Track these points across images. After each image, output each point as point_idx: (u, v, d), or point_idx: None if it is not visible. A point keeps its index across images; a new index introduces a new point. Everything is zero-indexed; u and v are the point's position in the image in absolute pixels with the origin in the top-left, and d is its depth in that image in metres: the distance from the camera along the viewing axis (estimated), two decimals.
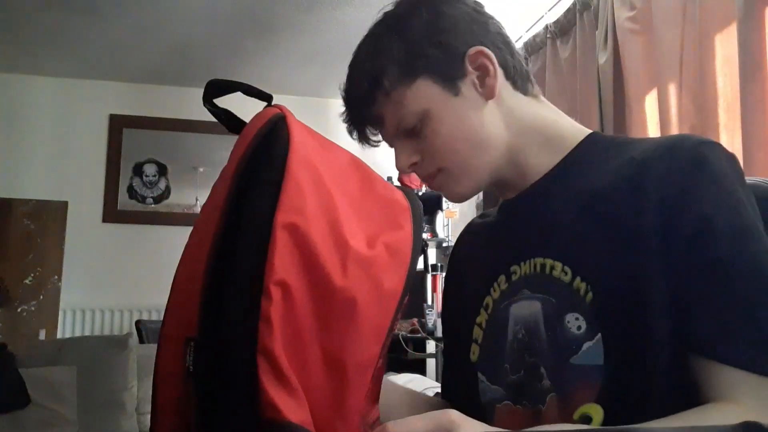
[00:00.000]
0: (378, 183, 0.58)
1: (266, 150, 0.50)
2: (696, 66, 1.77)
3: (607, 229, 0.65)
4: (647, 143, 0.68)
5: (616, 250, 0.63)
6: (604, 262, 0.64)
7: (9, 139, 4.04)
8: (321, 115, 4.58)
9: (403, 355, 3.42)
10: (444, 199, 3.81)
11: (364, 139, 0.79)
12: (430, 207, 3.97)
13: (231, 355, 0.44)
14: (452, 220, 3.88)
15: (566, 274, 0.66)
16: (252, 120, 0.53)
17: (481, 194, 3.57)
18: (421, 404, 0.84)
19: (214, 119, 0.57)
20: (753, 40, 1.54)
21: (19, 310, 3.85)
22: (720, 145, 0.66)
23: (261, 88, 0.54)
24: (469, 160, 0.74)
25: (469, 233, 0.90)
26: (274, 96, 0.54)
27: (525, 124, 0.75)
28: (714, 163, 0.63)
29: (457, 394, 0.84)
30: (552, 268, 0.68)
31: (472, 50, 0.73)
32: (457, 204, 3.80)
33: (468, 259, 0.88)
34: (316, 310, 0.46)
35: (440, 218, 3.88)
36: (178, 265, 0.53)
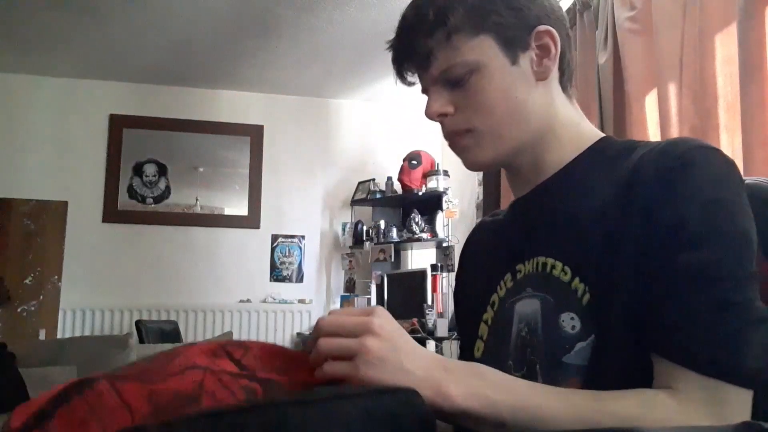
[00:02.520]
0: None
1: None
2: (696, 66, 1.77)
3: (603, 233, 0.65)
4: (648, 146, 0.68)
5: (611, 254, 0.63)
6: (601, 266, 0.64)
7: (9, 139, 4.04)
8: (321, 115, 4.60)
9: None
10: (445, 198, 3.81)
11: (401, 74, 0.77)
12: (430, 207, 3.98)
13: None
14: (452, 220, 3.88)
15: (566, 273, 0.67)
16: None
17: (481, 194, 3.57)
18: None
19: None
20: (753, 40, 1.54)
21: (19, 310, 3.85)
22: (716, 150, 0.64)
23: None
24: (502, 127, 0.73)
25: (480, 232, 0.91)
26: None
27: (556, 118, 0.76)
28: (702, 167, 0.62)
29: None
30: (553, 267, 0.69)
31: (542, 27, 0.73)
32: (456, 205, 3.80)
33: (477, 257, 0.89)
34: None
35: (440, 218, 3.88)
36: None
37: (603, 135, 0.77)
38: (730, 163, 0.63)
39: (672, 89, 1.87)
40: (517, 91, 0.73)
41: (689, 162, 0.62)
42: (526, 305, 0.71)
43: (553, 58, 0.74)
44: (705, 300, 0.57)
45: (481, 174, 3.56)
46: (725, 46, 1.69)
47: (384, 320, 0.57)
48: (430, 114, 0.75)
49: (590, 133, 0.77)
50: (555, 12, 0.75)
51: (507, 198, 3.09)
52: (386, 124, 4.47)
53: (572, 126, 0.77)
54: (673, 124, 1.86)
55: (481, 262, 0.86)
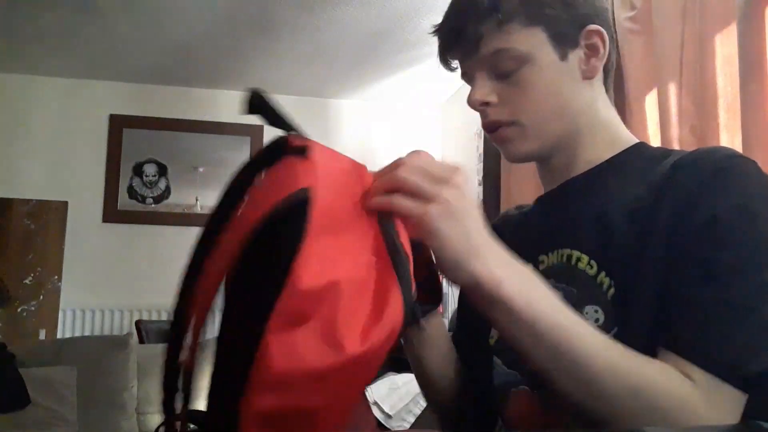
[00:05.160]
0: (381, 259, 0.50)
1: (277, 238, 0.45)
2: (696, 66, 1.77)
3: (633, 230, 0.66)
4: (683, 153, 0.70)
5: (640, 251, 0.64)
6: (628, 261, 0.65)
7: (9, 139, 4.04)
8: (321, 115, 4.60)
9: (403, 355, 3.41)
10: None
11: (446, 58, 0.77)
12: None
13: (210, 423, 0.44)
14: None
15: (592, 267, 0.68)
16: (281, 176, 0.48)
17: (481, 195, 3.57)
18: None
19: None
20: (753, 40, 1.54)
21: (19, 310, 3.85)
22: (753, 162, 0.66)
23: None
24: (546, 122, 0.73)
25: (502, 224, 0.91)
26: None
27: (597, 118, 0.77)
28: (738, 175, 0.63)
29: (469, 374, 0.85)
30: (578, 260, 0.69)
31: (592, 27, 0.74)
32: None
33: None
34: None
35: None
36: None
37: (638, 141, 0.78)
38: (765, 177, 0.65)
39: (672, 89, 1.86)
40: (564, 87, 0.73)
41: (726, 168, 0.63)
42: None
43: (601, 58, 0.75)
44: (724, 300, 0.58)
45: (481, 174, 3.56)
46: (725, 46, 1.69)
47: (467, 184, 0.55)
48: (472, 102, 0.74)
49: (626, 136, 0.78)
50: (603, 13, 0.76)
51: (507, 198, 3.09)
52: (386, 124, 4.47)
53: (611, 127, 0.78)
54: (673, 124, 1.85)
55: None
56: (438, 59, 0.78)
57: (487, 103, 0.73)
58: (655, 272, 0.62)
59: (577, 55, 0.74)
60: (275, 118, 0.49)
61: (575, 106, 0.74)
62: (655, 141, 1.98)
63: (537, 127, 0.73)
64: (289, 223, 0.44)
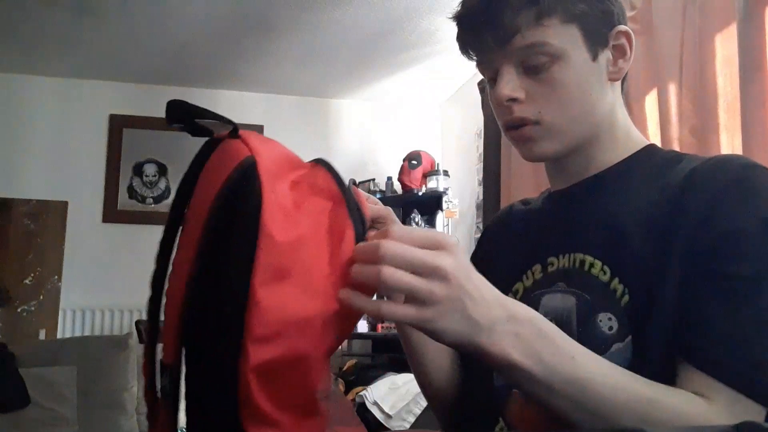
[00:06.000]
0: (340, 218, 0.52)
1: (238, 204, 0.46)
2: (696, 66, 1.77)
3: (648, 237, 0.65)
4: (697, 160, 0.69)
5: (655, 259, 0.63)
6: (644, 269, 0.64)
7: (9, 139, 4.04)
8: (321, 115, 4.60)
9: (403, 355, 3.41)
10: (445, 199, 3.80)
11: (470, 46, 0.74)
12: (429, 207, 3.98)
13: (208, 395, 0.46)
14: (452, 220, 3.88)
15: (605, 273, 0.67)
16: (220, 158, 0.51)
17: (481, 195, 3.57)
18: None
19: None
20: (753, 40, 1.54)
21: (19, 310, 3.85)
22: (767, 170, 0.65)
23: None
24: (572, 123, 0.72)
25: (508, 216, 0.90)
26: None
27: (616, 120, 0.76)
28: (755, 184, 0.63)
29: (469, 373, 0.84)
30: (591, 265, 0.68)
31: (622, 28, 0.73)
32: (456, 205, 3.80)
33: (501, 241, 0.87)
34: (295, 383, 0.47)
35: (440, 218, 3.88)
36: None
37: (649, 143, 0.78)
38: None
39: (672, 89, 1.87)
40: (593, 88, 0.72)
41: (743, 179, 0.63)
42: (556, 300, 0.70)
43: (628, 60, 0.74)
44: (746, 315, 0.57)
45: (481, 174, 3.56)
46: (725, 46, 1.69)
47: (456, 260, 0.50)
48: (500, 97, 0.71)
49: (638, 138, 0.78)
50: (626, 15, 0.75)
51: (507, 198, 3.09)
52: (386, 124, 4.46)
53: (626, 129, 0.77)
54: (673, 124, 1.85)
55: (506, 247, 0.84)
56: (459, 47, 0.76)
57: (514, 99, 0.71)
58: (673, 283, 0.61)
59: (605, 56, 0.73)
60: (196, 125, 0.52)
61: (600, 108, 0.73)
62: (654, 141, 1.98)
63: (563, 127, 0.71)
64: (247, 187, 0.47)
